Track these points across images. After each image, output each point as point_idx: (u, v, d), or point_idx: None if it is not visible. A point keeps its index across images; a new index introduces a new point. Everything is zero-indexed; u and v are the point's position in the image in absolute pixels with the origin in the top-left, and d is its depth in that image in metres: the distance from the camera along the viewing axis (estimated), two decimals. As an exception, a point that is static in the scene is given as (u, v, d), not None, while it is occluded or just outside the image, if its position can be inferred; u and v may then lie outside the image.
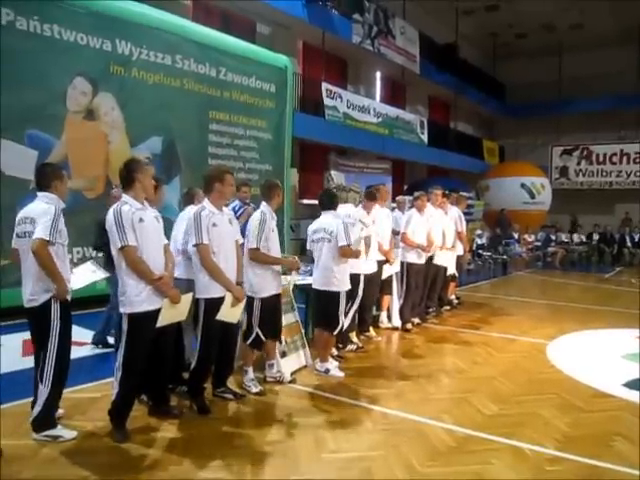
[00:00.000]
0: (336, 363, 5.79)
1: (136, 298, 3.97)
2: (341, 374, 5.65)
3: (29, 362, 4.10)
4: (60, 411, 4.27)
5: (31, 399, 4.02)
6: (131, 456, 3.77)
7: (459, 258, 9.47)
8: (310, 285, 6.07)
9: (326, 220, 5.69)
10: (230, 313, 4.60)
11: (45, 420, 3.92)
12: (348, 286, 5.68)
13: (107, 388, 4.35)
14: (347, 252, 5.53)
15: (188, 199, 5.44)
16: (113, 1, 8.62)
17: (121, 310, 4.05)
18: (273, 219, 5.13)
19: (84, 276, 4.86)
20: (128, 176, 4.08)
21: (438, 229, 8.18)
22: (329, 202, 5.79)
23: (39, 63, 7.62)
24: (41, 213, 3.84)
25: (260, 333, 5.09)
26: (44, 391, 3.88)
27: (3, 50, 7.21)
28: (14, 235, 4.00)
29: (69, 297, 4.02)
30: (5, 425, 4.11)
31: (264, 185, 5.37)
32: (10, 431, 4.00)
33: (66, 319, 3.95)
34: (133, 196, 4.06)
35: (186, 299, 4.27)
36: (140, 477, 3.49)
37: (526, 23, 22.63)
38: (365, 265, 6.50)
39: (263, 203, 5.18)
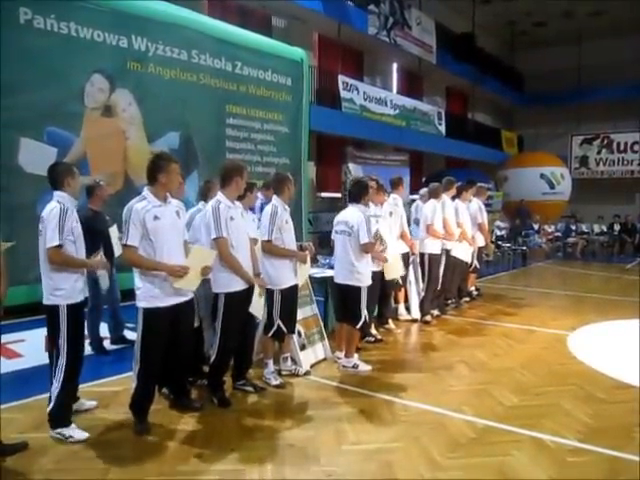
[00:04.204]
0: (356, 355, 5.79)
1: (150, 294, 4.00)
2: (368, 367, 5.63)
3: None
4: (93, 403, 4.39)
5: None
6: (152, 448, 3.82)
7: (481, 249, 9.43)
8: (329, 278, 6.08)
9: (349, 213, 5.65)
10: (258, 305, 4.73)
11: (59, 417, 3.95)
12: (369, 281, 5.63)
13: (129, 382, 4.40)
14: (369, 248, 5.54)
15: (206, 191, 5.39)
16: (128, -2, 8.68)
17: (137, 304, 4.08)
18: (285, 211, 5.12)
19: None
20: (151, 172, 4.07)
21: (453, 220, 8.10)
22: (357, 194, 5.70)
23: (57, 61, 7.68)
24: (48, 215, 3.87)
25: (282, 324, 5.11)
26: (56, 389, 3.92)
27: (22, 49, 7.30)
28: None
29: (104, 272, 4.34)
30: (29, 418, 4.20)
31: (274, 179, 5.40)
32: (35, 424, 4.08)
33: (76, 320, 3.98)
34: (154, 192, 4.06)
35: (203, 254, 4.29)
36: (161, 469, 3.53)
37: (545, 11, 22.33)
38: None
39: (274, 196, 5.19)
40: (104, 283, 5.76)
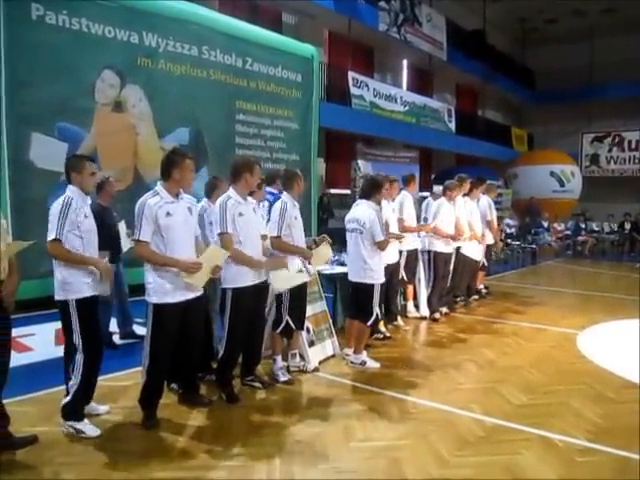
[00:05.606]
0: (365, 352, 5.77)
1: (161, 289, 4.01)
2: (377, 364, 5.63)
3: (62, 350, 4.16)
4: (104, 407, 4.31)
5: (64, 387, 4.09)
6: (161, 443, 3.83)
7: (490, 247, 9.39)
8: (338, 274, 6.08)
9: (359, 210, 5.61)
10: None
11: (72, 411, 3.94)
12: (383, 278, 5.61)
13: (138, 376, 4.42)
14: (384, 245, 5.52)
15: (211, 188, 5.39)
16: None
17: (147, 299, 4.09)
18: (295, 207, 5.11)
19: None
20: (165, 168, 4.06)
21: (464, 218, 8.09)
22: (368, 190, 5.68)
23: (68, 57, 7.71)
24: (51, 209, 3.84)
25: (290, 321, 5.11)
26: (74, 384, 3.90)
27: (33, 44, 7.33)
28: None
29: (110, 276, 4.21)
30: (40, 411, 4.23)
31: (284, 175, 5.39)
32: (45, 417, 4.11)
33: (87, 314, 3.92)
34: (167, 188, 4.05)
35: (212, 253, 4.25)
36: (170, 464, 3.54)
37: (556, 8, 22.19)
38: (389, 254, 6.48)
39: (284, 192, 5.18)
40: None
